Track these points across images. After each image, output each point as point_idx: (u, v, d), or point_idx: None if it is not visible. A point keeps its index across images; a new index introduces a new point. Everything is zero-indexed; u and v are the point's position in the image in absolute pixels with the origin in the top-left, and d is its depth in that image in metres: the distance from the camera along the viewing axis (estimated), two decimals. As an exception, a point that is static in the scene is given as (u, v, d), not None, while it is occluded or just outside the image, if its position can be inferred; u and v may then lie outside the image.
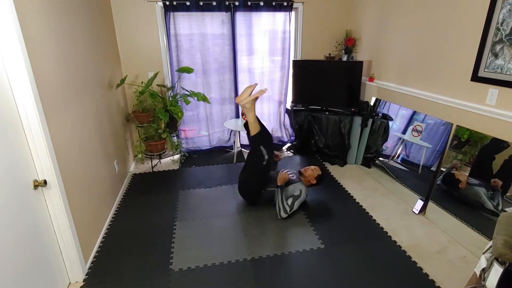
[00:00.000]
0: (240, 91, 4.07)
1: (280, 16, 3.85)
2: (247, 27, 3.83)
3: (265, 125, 2.87)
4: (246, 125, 2.75)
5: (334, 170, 3.69)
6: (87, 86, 2.47)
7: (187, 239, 2.46)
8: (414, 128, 3.03)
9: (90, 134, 2.43)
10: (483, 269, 1.47)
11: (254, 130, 2.67)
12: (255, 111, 2.68)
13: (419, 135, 2.97)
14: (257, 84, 2.70)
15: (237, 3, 3.65)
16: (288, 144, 4.43)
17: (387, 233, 2.52)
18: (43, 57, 1.78)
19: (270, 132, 4.31)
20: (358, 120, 3.65)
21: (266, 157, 2.66)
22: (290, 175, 2.90)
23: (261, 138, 2.69)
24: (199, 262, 2.21)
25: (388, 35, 3.37)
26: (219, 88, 4.04)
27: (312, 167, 2.91)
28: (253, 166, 2.78)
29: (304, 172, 2.89)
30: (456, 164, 2.52)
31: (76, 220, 2.02)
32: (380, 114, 3.54)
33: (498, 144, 2.22)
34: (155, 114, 3.40)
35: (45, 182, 1.74)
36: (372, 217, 2.74)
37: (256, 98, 2.64)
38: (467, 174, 2.42)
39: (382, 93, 3.55)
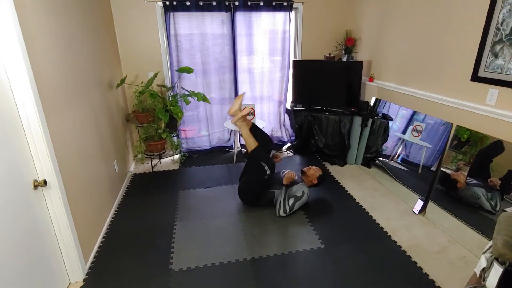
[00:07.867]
0: (240, 91, 4.08)
1: (280, 16, 3.85)
2: (247, 27, 3.83)
3: (263, 129, 2.86)
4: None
5: (334, 170, 3.69)
6: (87, 86, 2.47)
7: (187, 239, 2.46)
8: (414, 128, 3.03)
9: (90, 134, 2.43)
10: (483, 269, 1.47)
11: (251, 146, 2.66)
12: (247, 127, 2.67)
13: (419, 135, 2.97)
14: (245, 93, 2.71)
15: (237, 3, 3.65)
16: (288, 144, 4.43)
17: (387, 233, 2.52)
18: (43, 57, 1.78)
19: (270, 132, 4.34)
20: (358, 120, 3.65)
21: (268, 172, 2.64)
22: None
23: (259, 153, 2.67)
24: (199, 262, 2.21)
25: (388, 35, 3.37)
26: (219, 88, 4.04)
27: (314, 167, 2.92)
28: (254, 179, 2.77)
29: (307, 171, 2.89)
30: (460, 165, 2.51)
31: (76, 220, 2.02)
32: (380, 114, 3.54)
33: (496, 148, 2.22)
34: (155, 114, 3.40)
35: (45, 182, 1.74)
36: (372, 217, 2.74)
37: (246, 115, 2.66)
38: (467, 174, 2.42)
39: (382, 93, 3.55)
